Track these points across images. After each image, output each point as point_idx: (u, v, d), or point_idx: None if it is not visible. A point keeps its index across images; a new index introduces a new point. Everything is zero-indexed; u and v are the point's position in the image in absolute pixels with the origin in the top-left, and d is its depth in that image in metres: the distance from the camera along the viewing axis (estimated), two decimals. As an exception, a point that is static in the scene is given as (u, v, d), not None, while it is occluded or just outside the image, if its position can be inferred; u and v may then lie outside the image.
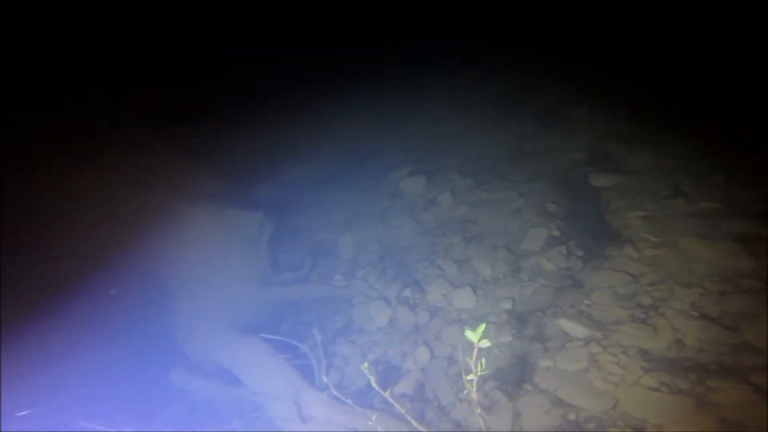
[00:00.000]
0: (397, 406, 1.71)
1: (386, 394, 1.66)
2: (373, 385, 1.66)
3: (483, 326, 1.34)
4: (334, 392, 2.03)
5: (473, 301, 2.78)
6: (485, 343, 1.34)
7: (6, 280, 2.62)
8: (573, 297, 2.47)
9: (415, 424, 1.68)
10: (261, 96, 5.07)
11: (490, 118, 4.42)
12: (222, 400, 2.63)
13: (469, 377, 1.43)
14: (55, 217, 2.94)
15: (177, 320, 2.91)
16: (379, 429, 1.78)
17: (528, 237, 2.93)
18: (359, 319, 3.13)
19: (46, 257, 2.83)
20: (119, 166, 3.31)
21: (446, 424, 2.09)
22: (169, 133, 4.00)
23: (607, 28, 5.16)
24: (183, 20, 5.37)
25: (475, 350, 1.35)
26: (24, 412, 2.37)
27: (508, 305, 2.63)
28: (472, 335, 1.35)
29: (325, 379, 2.30)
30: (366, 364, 1.69)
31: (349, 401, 1.95)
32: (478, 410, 1.59)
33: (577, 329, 2.25)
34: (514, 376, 2.18)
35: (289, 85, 5.32)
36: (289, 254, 3.63)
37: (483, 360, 1.39)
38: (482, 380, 2.14)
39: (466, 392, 1.61)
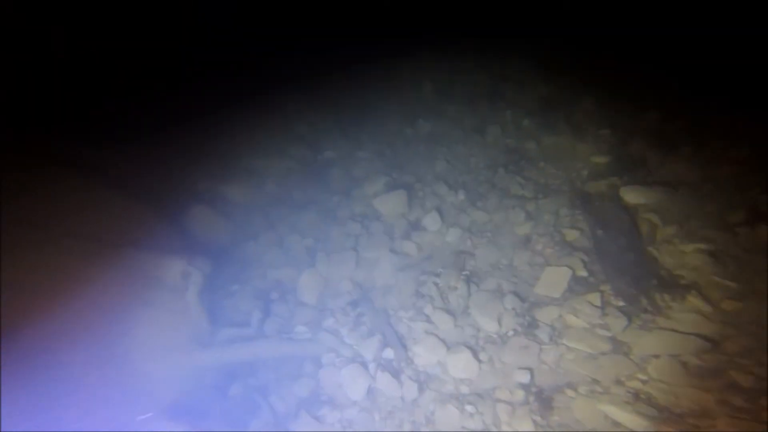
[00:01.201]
0: None
1: None
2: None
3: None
4: None
5: (475, 370, 2.15)
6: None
7: None
8: (618, 369, 1.85)
9: None
10: (217, 100, 4.24)
11: (480, 113, 3.70)
12: None
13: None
14: None
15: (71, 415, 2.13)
16: None
17: (544, 278, 2.27)
18: (328, 387, 2.45)
19: None
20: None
21: None
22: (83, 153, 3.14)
23: (607, 28, 4.70)
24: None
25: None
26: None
27: (523, 378, 2.02)
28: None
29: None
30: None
31: None
32: None
33: (632, 421, 1.61)
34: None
35: (256, 86, 4.51)
36: (233, 301, 2.89)
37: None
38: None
39: None
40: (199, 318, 2.66)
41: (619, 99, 3.33)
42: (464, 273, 2.50)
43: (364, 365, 2.41)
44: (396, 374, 2.32)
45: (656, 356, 1.79)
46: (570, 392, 1.88)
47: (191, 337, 2.56)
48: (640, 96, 3.32)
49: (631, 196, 2.42)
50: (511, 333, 2.21)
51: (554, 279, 2.26)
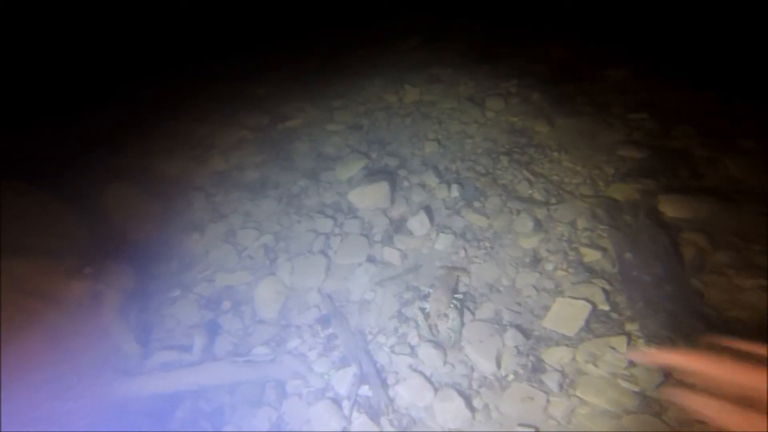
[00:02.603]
0: None
1: None
2: None
3: None
4: None
5: (467, 420, 1.85)
6: None
7: None
8: (646, 435, 1.53)
9: None
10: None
11: (478, 79, 3.14)
12: None
13: None
14: None
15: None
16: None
17: (554, 310, 1.93)
18: (294, 421, 2.11)
19: None
20: None
21: None
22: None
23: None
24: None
25: None
26: None
27: (527, 437, 1.67)
28: None
29: None
30: None
31: None
32: None
33: None
34: None
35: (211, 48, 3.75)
36: (173, 312, 2.43)
37: None
38: None
39: None
40: (122, 339, 2.19)
41: (662, 70, 2.80)
42: (457, 296, 2.11)
43: (337, 402, 2.07)
44: (375, 416, 1.98)
45: (701, 422, 1.48)
46: (589, 464, 1.58)
47: (112, 365, 2.11)
48: (690, 69, 2.78)
49: (672, 207, 1.98)
50: (511, 377, 1.88)
51: (567, 313, 1.91)
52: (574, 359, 1.81)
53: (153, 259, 2.67)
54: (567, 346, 1.84)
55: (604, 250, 1.99)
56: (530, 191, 2.28)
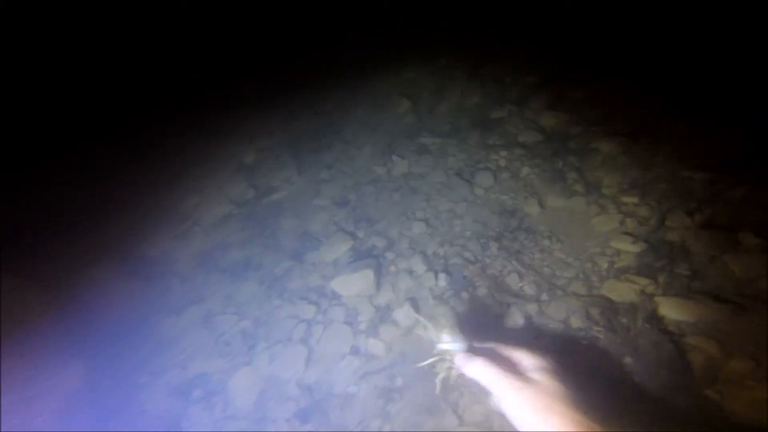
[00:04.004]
0: None
1: None
2: None
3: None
4: None
5: None
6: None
7: None
8: None
9: None
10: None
11: (468, 149, 3.15)
12: None
13: None
14: None
15: None
16: None
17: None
18: None
19: None
20: None
21: None
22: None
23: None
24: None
25: None
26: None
27: None
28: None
29: None
30: None
31: None
32: None
33: None
34: None
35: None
36: (140, 399, 2.31)
37: None
38: None
39: None
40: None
41: (655, 143, 2.79)
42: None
43: None
44: None
45: None
46: None
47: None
48: (684, 139, 2.76)
49: (674, 311, 1.90)
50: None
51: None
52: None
53: (125, 343, 2.57)
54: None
55: (601, 352, 1.90)
56: (520, 284, 2.23)
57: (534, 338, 2.04)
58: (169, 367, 2.53)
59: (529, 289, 2.18)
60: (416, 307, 2.35)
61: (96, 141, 3.46)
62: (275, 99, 4.21)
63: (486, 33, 4.95)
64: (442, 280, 2.40)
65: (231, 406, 2.32)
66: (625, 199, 2.51)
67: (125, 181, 2.93)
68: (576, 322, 2.02)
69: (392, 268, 2.59)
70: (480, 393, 1.88)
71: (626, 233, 2.30)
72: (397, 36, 5.29)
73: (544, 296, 2.13)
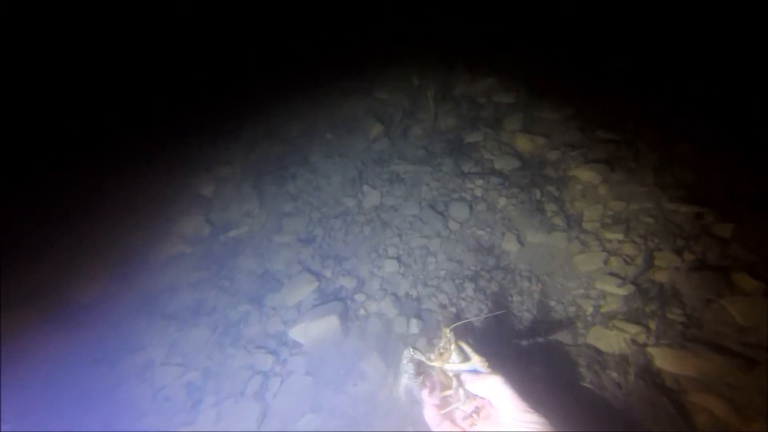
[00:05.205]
0: None
1: None
2: None
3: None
4: None
5: None
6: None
7: None
8: None
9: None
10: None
11: (442, 178, 3.01)
12: None
13: None
14: None
15: None
16: None
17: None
18: None
19: None
20: None
21: None
22: None
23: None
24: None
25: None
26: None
27: None
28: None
29: None
30: None
31: None
32: None
33: None
34: None
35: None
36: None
37: None
38: None
39: None
40: None
41: (635, 170, 2.69)
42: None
43: None
44: None
45: None
46: None
47: None
48: (665, 166, 2.68)
49: (671, 364, 1.75)
50: None
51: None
52: None
53: (45, 402, 2.25)
54: None
55: (588, 413, 1.72)
56: (499, 331, 2.03)
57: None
58: (95, 428, 2.22)
59: (508, 337, 2.00)
60: (385, 358, 2.14)
61: (24, 167, 3.18)
62: (236, 121, 4.01)
63: (481, 37, 4.90)
64: (414, 327, 2.21)
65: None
66: (609, 235, 2.40)
67: (59, 215, 2.64)
68: (560, 377, 1.85)
69: (361, 312, 2.39)
70: None
71: (611, 273, 2.18)
72: (371, 54, 5.21)
73: (524, 343, 1.96)
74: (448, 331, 0.98)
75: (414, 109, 4.16)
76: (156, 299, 2.59)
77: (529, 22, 5.10)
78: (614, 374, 1.78)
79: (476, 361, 0.94)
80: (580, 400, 1.76)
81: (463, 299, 2.28)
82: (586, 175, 3.04)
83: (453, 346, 0.96)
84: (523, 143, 3.48)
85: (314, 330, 2.27)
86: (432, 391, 0.93)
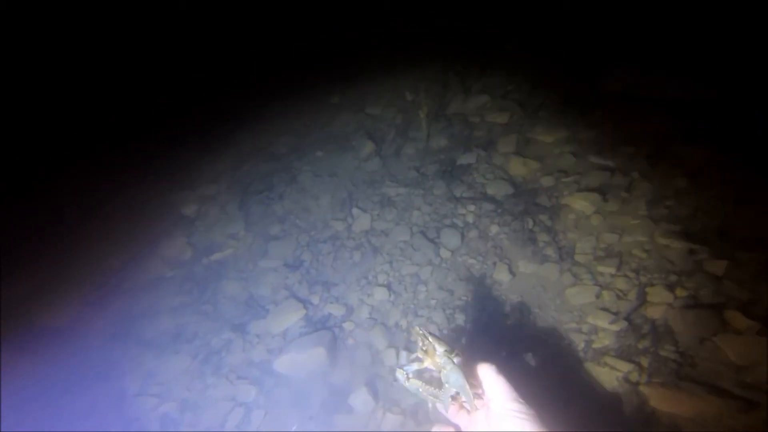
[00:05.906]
0: None
1: None
2: None
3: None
4: None
5: None
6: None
7: None
8: None
9: None
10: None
11: (433, 202, 2.99)
12: None
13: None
14: None
15: None
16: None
17: None
18: None
19: None
20: None
21: None
22: None
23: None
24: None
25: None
26: None
27: None
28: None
29: None
30: None
31: None
32: None
33: None
34: None
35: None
36: None
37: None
38: None
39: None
40: None
41: (627, 200, 2.70)
42: None
43: None
44: None
45: None
46: None
47: None
48: (657, 198, 2.72)
49: (667, 404, 1.72)
50: None
51: None
52: None
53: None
54: None
55: (580, 455, 1.69)
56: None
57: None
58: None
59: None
60: (375, 393, 2.08)
61: (29, 178, 3.08)
62: (225, 133, 3.95)
63: (480, 39, 4.94)
64: (404, 359, 2.16)
65: None
66: (601, 268, 2.41)
67: (29, 234, 2.52)
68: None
69: (350, 341, 2.34)
70: None
71: (604, 308, 2.18)
72: (366, 60, 5.22)
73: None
74: (419, 329, 1.05)
75: (406, 127, 4.17)
76: (133, 324, 2.50)
77: (529, 22, 5.16)
78: (609, 411, 1.76)
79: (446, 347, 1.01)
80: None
81: (453, 331, 2.25)
82: (579, 204, 3.06)
83: (430, 338, 1.02)
84: (516, 167, 3.50)
85: (300, 361, 2.21)
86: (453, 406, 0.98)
